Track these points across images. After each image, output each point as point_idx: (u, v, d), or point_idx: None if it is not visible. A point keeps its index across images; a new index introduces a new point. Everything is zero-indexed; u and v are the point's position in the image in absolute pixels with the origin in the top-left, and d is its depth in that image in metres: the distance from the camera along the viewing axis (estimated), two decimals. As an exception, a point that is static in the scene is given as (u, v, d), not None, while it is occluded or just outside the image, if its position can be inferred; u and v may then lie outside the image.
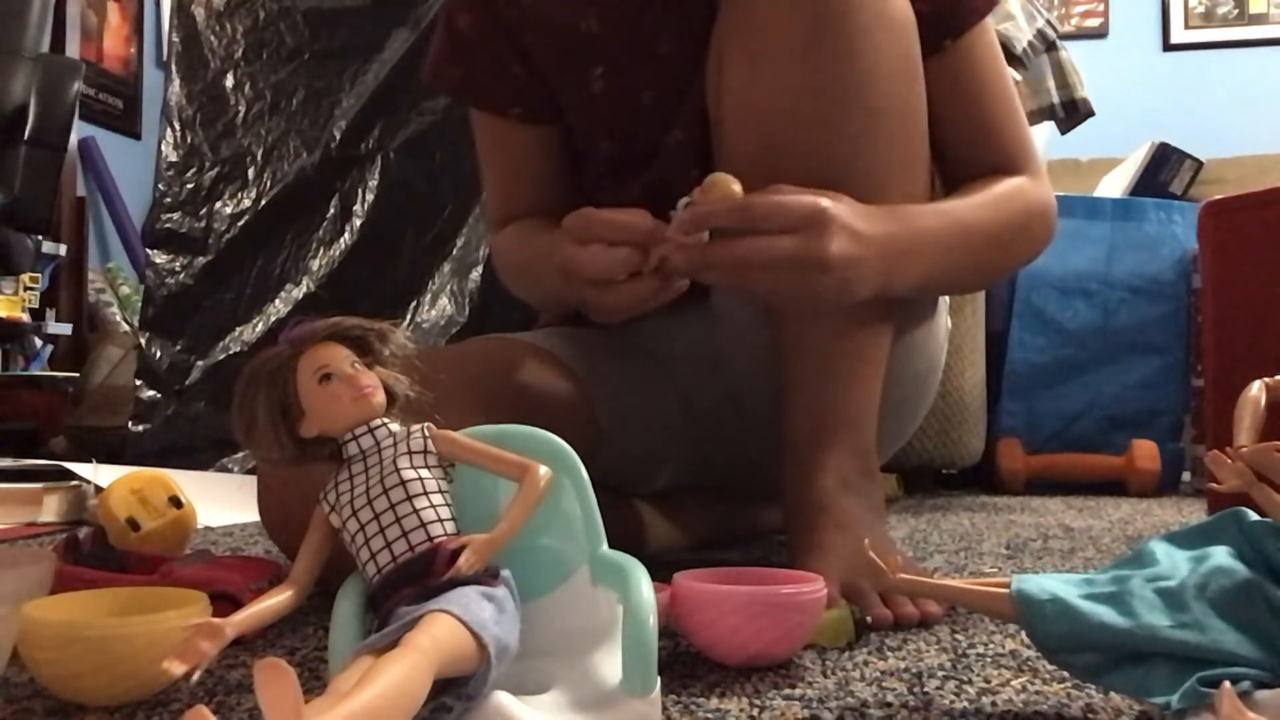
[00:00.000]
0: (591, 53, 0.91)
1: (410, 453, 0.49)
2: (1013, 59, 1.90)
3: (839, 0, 0.75)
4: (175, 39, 2.15)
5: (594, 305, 0.76)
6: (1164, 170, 2.64)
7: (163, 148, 2.10)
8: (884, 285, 0.75)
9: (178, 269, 2.07)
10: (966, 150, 0.88)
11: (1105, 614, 0.48)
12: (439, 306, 2.07)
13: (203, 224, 2.08)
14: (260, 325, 2.06)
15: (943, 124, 0.86)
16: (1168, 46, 4.12)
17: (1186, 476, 2.05)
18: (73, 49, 3.43)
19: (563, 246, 0.75)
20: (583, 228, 0.73)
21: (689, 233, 0.70)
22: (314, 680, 0.58)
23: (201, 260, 2.07)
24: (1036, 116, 2.02)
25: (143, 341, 2.04)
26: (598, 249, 0.72)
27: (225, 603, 0.62)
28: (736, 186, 0.70)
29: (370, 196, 2.11)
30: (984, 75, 0.87)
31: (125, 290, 3.58)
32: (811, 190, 0.71)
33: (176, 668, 0.40)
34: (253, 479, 0.93)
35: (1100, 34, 4.15)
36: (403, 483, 0.47)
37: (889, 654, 0.64)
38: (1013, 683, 0.57)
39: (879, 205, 0.75)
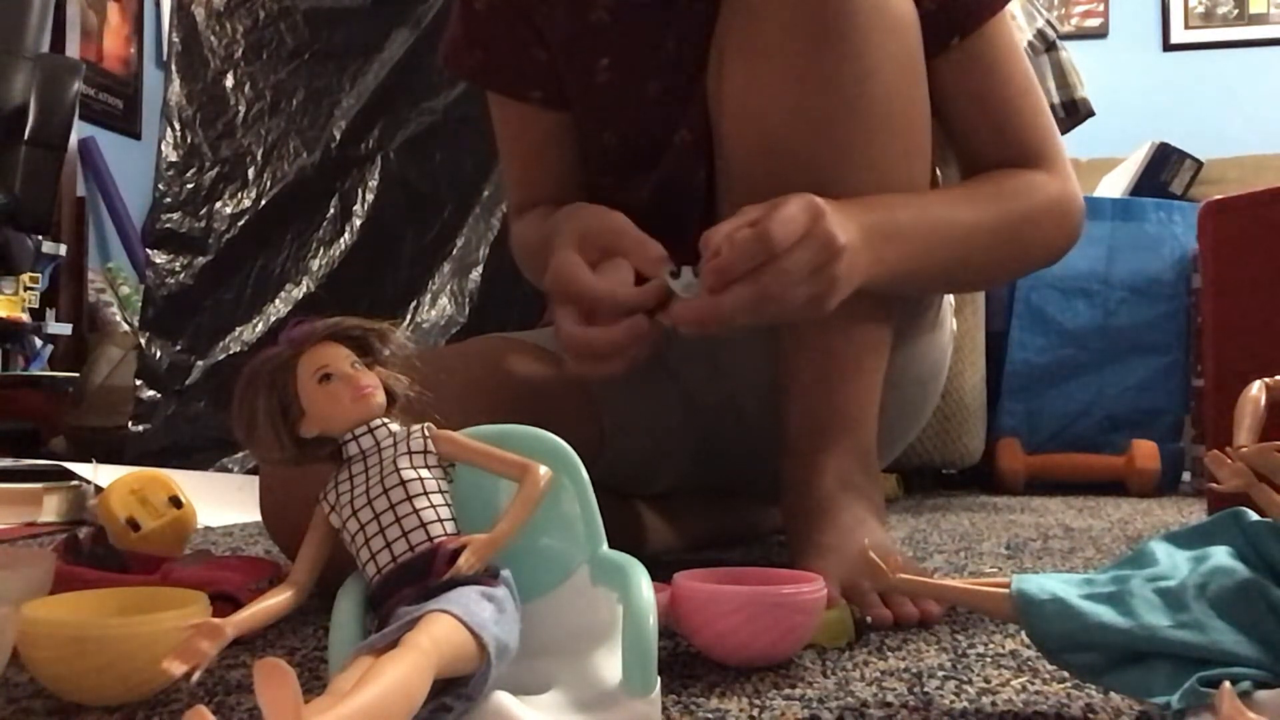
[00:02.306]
0: (599, 43, 0.91)
1: (410, 453, 0.48)
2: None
3: (839, 0, 0.75)
4: (175, 39, 2.15)
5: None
6: (1164, 170, 2.64)
7: (163, 148, 2.10)
8: (868, 276, 0.74)
9: (178, 269, 2.07)
10: (983, 148, 0.86)
11: (1105, 614, 0.48)
12: (439, 306, 2.07)
13: (203, 224, 2.08)
14: (260, 325, 2.06)
15: (958, 122, 0.85)
16: (1168, 46, 4.12)
17: (1186, 476, 2.05)
18: (73, 49, 3.43)
19: (557, 310, 0.75)
20: (572, 299, 0.73)
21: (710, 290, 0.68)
22: (314, 680, 0.58)
23: (201, 260, 2.07)
24: (1036, 116, 2.02)
25: (143, 341, 2.04)
26: (595, 331, 0.72)
27: (225, 603, 0.62)
28: None
29: (370, 196, 2.11)
30: (999, 72, 0.85)
31: (125, 290, 3.58)
32: (784, 201, 0.69)
33: (176, 668, 0.40)
34: (253, 479, 0.93)
35: (1100, 34, 4.15)
36: (403, 483, 0.47)
37: (889, 654, 0.64)
38: (1013, 683, 0.57)
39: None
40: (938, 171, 0.90)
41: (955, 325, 1.11)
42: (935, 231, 0.79)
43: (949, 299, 1.05)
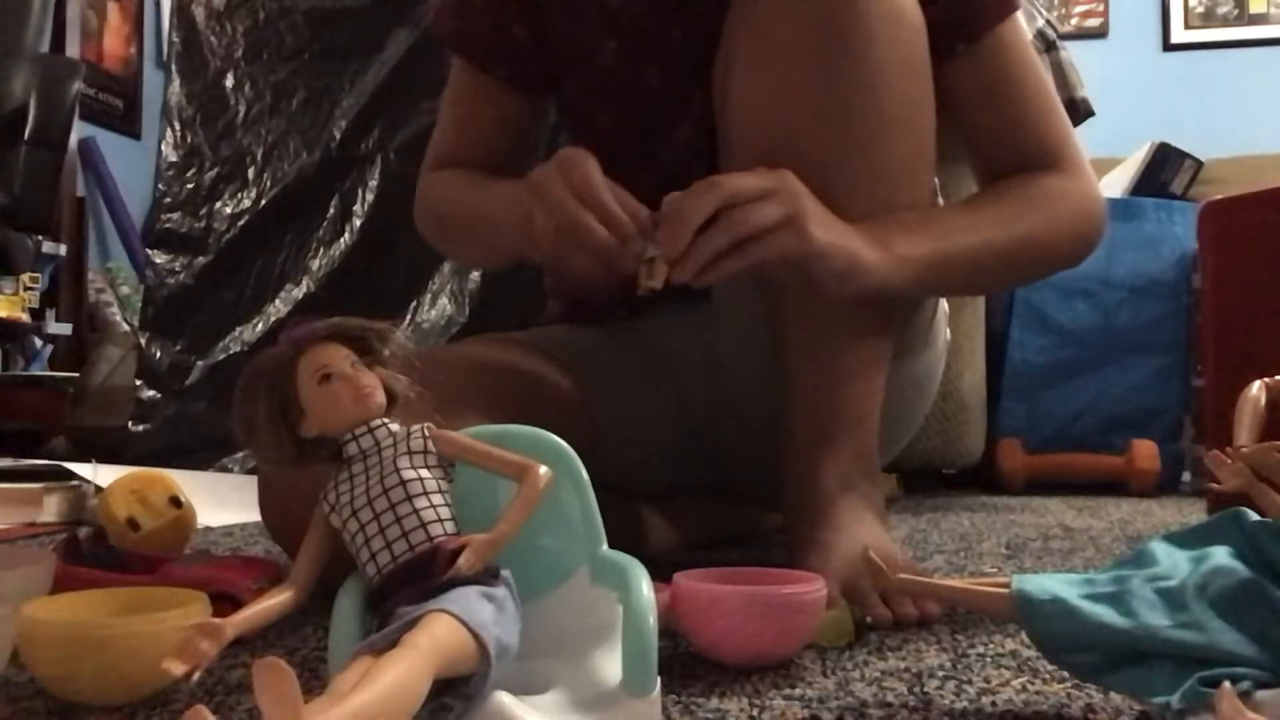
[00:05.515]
0: (605, 24, 0.91)
1: (410, 453, 0.48)
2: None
3: (847, 2, 0.75)
4: (175, 39, 2.15)
5: (557, 266, 0.76)
6: (1164, 170, 2.64)
7: (163, 148, 2.10)
8: (885, 276, 0.75)
9: (178, 269, 2.07)
10: (998, 151, 0.86)
11: (1105, 614, 0.48)
12: (439, 306, 2.07)
13: (203, 224, 2.08)
14: (260, 325, 2.06)
15: (972, 126, 0.85)
16: (1168, 46, 4.12)
17: (1186, 476, 2.05)
18: (73, 49, 3.43)
19: (548, 190, 0.73)
20: (585, 190, 0.72)
21: (681, 238, 0.69)
22: (314, 680, 0.58)
23: (201, 260, 2.07)
24: (1036, 116, 2.02)
25: (143, 341, 2.04)
26: (598, 225, 0.71)
27: (225, 603, 0.62)
28: None
29: (370, 196, 2.11)
30: (1011, 76, 0.85)
31: (125, 290, 3.58)
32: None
33: (176, 668, 0.40)
34: (253, 479, 0.93)
35: (1100, 34, 4.15)
36: (403, 483, 0.47)
37: (889, 654, 0.64)
38: (1013, 683, 0.57)
39: (877, 210, 0.77)
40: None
41: (949, 335, 1.11)
42: (970, 249, 0.80)
43: (943, 308, 1.05)
